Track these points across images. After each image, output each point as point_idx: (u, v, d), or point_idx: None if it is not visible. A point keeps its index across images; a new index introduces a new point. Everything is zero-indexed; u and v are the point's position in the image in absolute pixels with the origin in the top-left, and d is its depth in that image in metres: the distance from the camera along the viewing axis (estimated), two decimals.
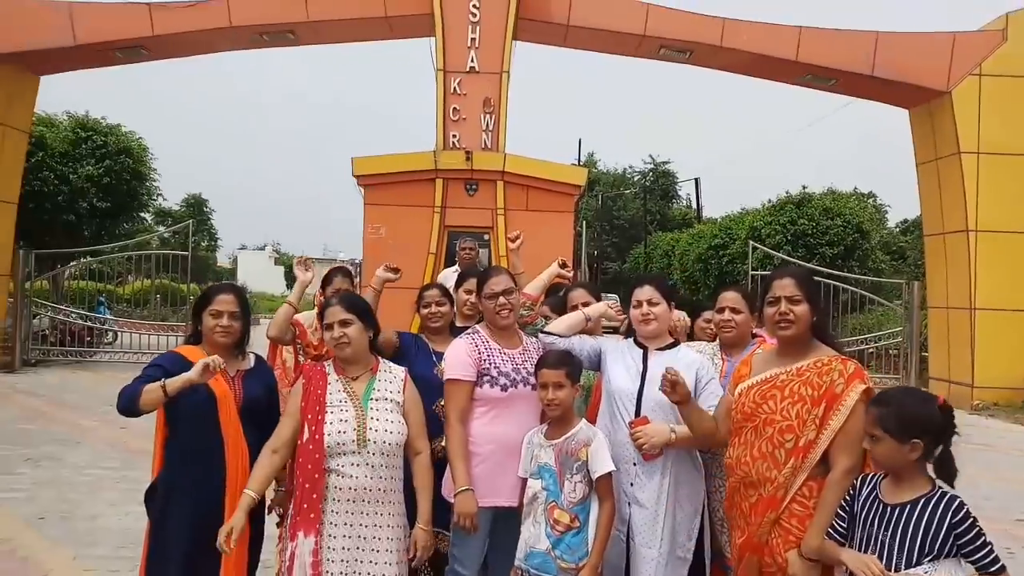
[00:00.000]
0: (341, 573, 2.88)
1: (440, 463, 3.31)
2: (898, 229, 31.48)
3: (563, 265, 4.04)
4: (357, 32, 14.38)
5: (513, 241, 4.26)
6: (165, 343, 15.20)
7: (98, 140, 19.94)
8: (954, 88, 13.19)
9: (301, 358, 4.44)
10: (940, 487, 2.47)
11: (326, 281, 4.71)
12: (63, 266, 16.95)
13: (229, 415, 3.09)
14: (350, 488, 2.92)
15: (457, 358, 3.33)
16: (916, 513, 2.43)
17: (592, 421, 3.42)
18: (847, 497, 2.63)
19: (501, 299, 3.38)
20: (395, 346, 3.82)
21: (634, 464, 3.20)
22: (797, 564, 2.68)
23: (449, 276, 6.29)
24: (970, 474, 7.93)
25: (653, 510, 3.17)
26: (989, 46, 13.23)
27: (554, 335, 3.45)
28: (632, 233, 42.64)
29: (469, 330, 3.50)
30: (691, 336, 4.11)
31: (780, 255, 17.79)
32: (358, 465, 2.93)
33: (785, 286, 2.87)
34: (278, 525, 3.57)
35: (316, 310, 4.18)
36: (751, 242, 17.75)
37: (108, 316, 17.01)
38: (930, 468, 2.50)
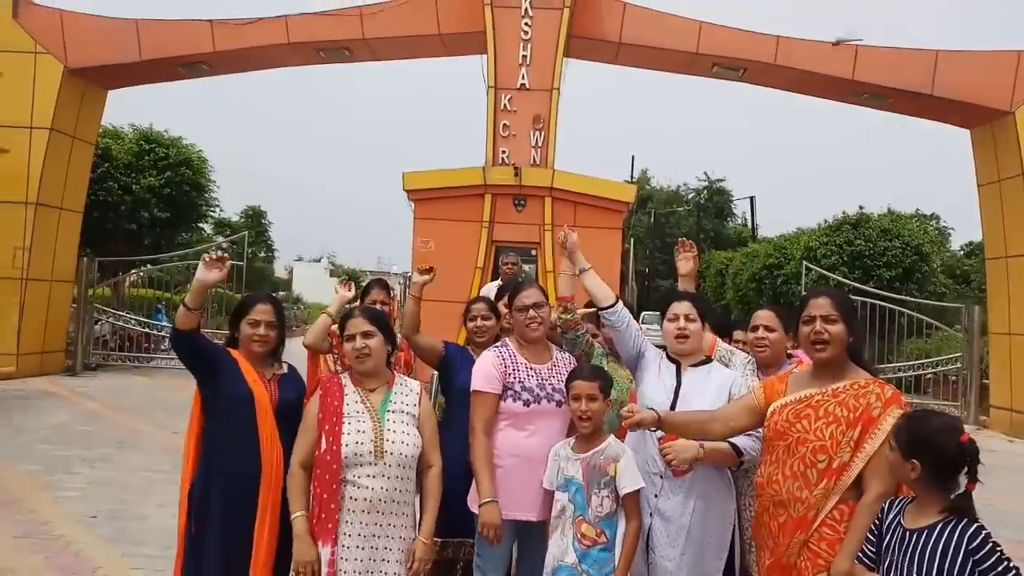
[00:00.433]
0: None
1: (467, 474, 3.34)
2: (962, 252, 30.62)
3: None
4: (411, 50, 14.62)
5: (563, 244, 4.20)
6: None
7: (160, 152, 20.57)
8: (1018, 108, 12.81)
9: (339, 367, 4.52)
10: (957, 515, 2.40)
11: (364, 293, 4.81)
12: (124, 274, 17.49)
13: (265, 414, 3.19)
14: (366, 499, 2.95)
15: (484, 371, 3.38)
16: (932, 539, 2.38)
17: (625, 435, 3.42)
18: (876, 520, 2.58)
19: (531, 312, 3.40)
20: (440, 355, 3.87)
21: (660, 476, 3.20)
22: None
23: (492, 290, 6.34)
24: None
25: (676, 523, 3.16)
26: None
27: (610, 308, 3.45)
28: None
29: (498, 343, 3.54)
30: None
31: (835, 276, 17.44)
32: (374, 476, 2.97)
33: (821, 305, 2.84)
34: None
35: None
36: (805, 262, 17.45)
37: (166, 323, 17.45)
38: None
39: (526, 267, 13.02)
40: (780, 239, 27.01)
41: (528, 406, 3.33)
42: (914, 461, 2.41)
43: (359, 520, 2.95)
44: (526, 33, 12.81)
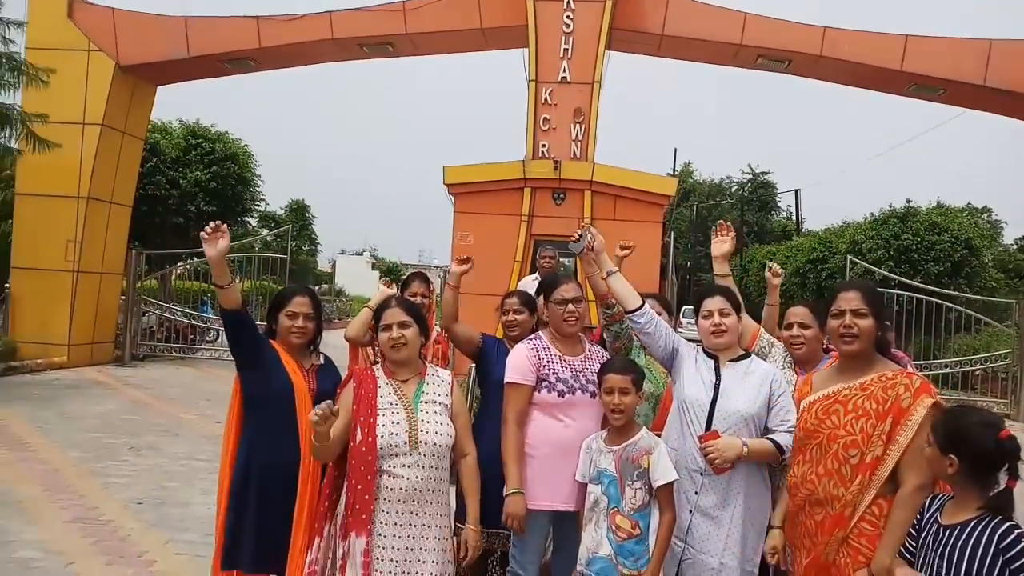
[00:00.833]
0: (391, 573, 2.93)
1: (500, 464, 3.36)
2: (1015, 246, 29.78)
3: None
4: (453, 44, 14.66)
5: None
6: None
7: (207, 147, 20.96)
8: None
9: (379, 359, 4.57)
10: (993, 512, 2.36)
11: (404, 285, 4.85)
12: (171, 267, 17.87)
13: (304, 404, 3.24)
14: (401, 489, 2.98)
15: (517, 362, 3.40)
16: (965, 536, 2.35)
17: (661, 429, 3.42)
18: (918, 516, 2.55)
19: (570, 306, 3.41)
20: (477, 347, 3.89)
21: (701, 473, 3.16)
22: None
23: (529, 284, 6.35)
24: None
25: (717, 519, 3.12)
26: None
27: (636, 311, 3.37)
28: None
29: (531, 335, 3.55)
30: None
31: (881, 271, 17.09)
32: (409, 467, 2.99)
33: (851, 299, 2.81)
34: None
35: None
36: (850, 257, 17.15)
37: (211, 315, 17.80)
38: None
39: (564, 261, 13.01)
40: (825, 233, 26.58)
41: (563, 396, 3.34)
42: (952, 456, 2.38)
43: (395, 510, 2.97)
44: (568, 26, 12.75)
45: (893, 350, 4.68)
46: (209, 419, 9.36)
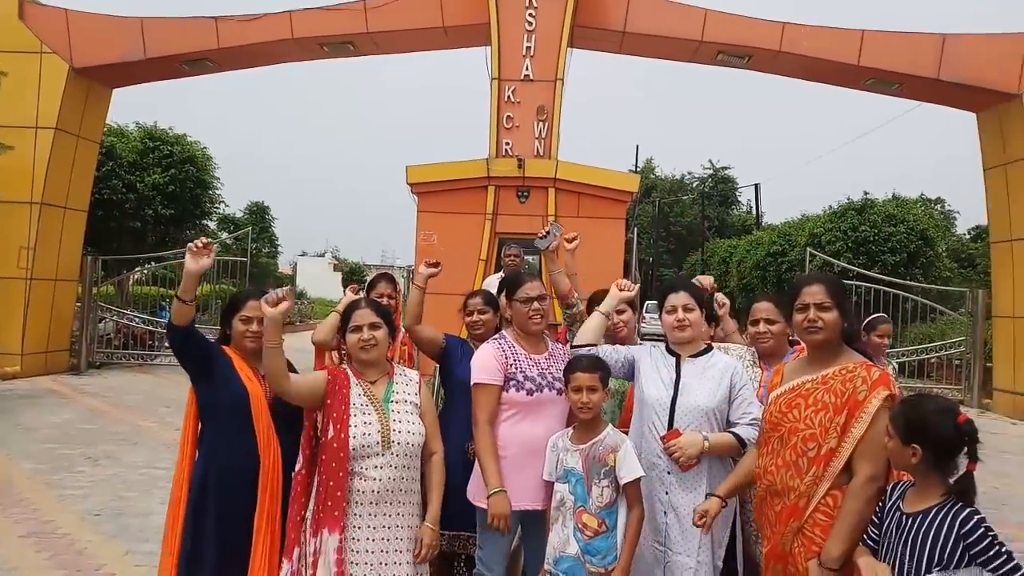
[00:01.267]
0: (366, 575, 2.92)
1: (472, 464, 3.34)
2: (968, 236, 30.46)
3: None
4: (415, 42, 14.56)
5: (570, 242, 4.25)
6: None
7: (165, 149, 20.61)
8: None
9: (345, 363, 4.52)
10: (954, 498, 2.40)
11: (370, 287, 4.80)
12: (128, 272, 17.52)
13: (261, 411, 3.21)
14: (374, 491, 2.97)
15: (484, 363, 3.37)
16: (927, 523, 2.39)
17: (627, 426, 3.41)
18: (880, 504, 2.59)
19: (535, 304, 3.40)
20: (440, 346, 3.88)
21: (668, 473, 3.18)
22: (817, 574, 2.63)
23: (493, 282, 6.32)
24: None
25: (689, 519, 3.13)
26: None
27: (586, 347, 3.42)
28: (690, 240, 42.18)
29: (496, 336, 3.53)
30: None
31: (839, 262, 17.37)
32: (381, 467, 2.98)
33: (814, 292, 2.83)
34: None
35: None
36: (809, 249, 17.40)
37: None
38: None
39: (529, 259, 12.99)
40: (784, 226, 26.97)
41: (531, 395, 3.33)
42: (914, 446, 2.41)
43: (368, 512, 2.96)
44: (530, 24, 12.72)
45: (875, 338, 4.80)
46: (169, 426, 9.17)
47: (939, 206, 31.02)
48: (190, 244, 3.10)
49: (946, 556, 2.32)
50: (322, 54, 14.69)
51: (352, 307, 3.24)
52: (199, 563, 3.14)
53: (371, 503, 2.97)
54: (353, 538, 2.94)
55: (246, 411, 3.20)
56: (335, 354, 4.74)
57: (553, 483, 3.20)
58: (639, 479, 3.07)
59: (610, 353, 3.43)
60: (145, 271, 18.08)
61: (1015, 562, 2.27)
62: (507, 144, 12.70)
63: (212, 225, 27.77)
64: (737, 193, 45.83)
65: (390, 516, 3.00)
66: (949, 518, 2.35)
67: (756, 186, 37.85)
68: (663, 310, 3.38)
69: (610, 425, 3.23)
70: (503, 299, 3.97)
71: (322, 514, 2.95)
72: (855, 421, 2.67)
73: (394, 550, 2.99)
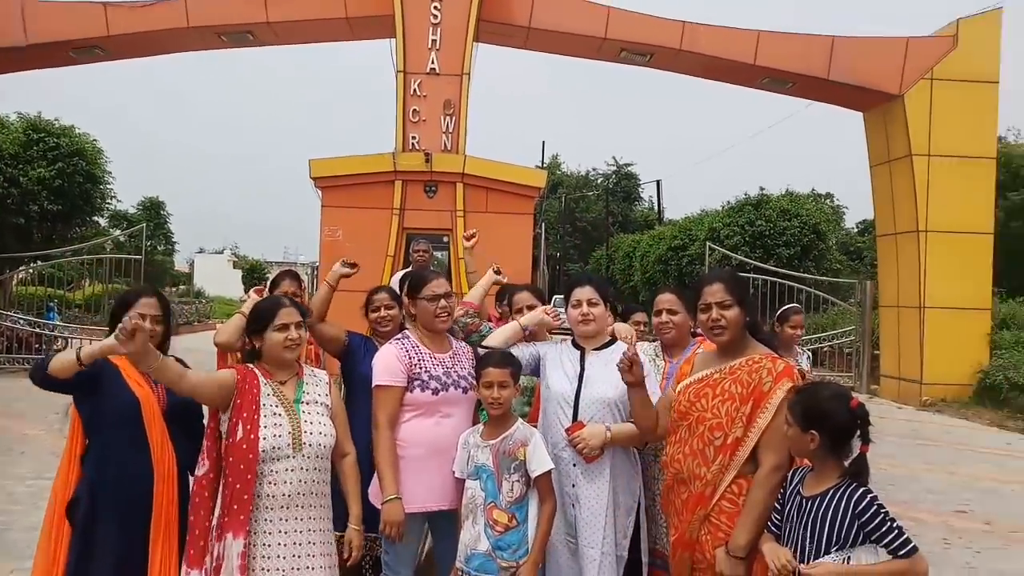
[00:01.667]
0: None
1: (372, 467, 3.30)
2: (856, 230, 32.01)
3: (498, 272, 4.02)
4: (317, 33, 14.26)
5: (468, 240, 4.24)
6: None
7: (50, 142, 19.44)
8: (907, 92, 13.47)
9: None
10: (850, 479, 2.52)
11: (274, 285, 4.68)
12: (12, 271, 16.53)
13: (153, 419, 3.06)
14: (284, 494, 2.88)
15: (387, 364, 3.30)
16: (824, 504, 2.50)
17: (536, 421, 3.43)
18: (782, 490, 2.68)
19: (442, 302, 3.37)
20: (343, 343, 3.81)
21: (574, 465, 3.22)
22: (724, 561, 2.71)
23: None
24: (914, 468, 8.18)
25: (596, 510, 3.19)
26: (940, 51, 13.54)
27: (492, 349, 3.42)
28: (595, 235, 42.84)
29: (398, 336, 3.47)
30: None
31: (738, 256, 17.99)
32: (292, 470, 2.90)
33: (715, 292, 2.91)
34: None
35: None
36: (709, 243, 17.94)
37: (57, 322, 16.61)
38: None
39: (438, 254, 12.92)
40: (685, 221, 27.70)
41: (437, 394, 3.29)
42: (813, 432, 2.51)
43: (278, 516, 2.88)
44: (435, 17, 12.63)
45: (788, 329, 4.96)
46: (58, 434, 8.57)
47: (829, 201, 32.45)
48: (121, 325, 2.67)
49: (843, 535, 2.44)
50: (220, 44, 14.21)
51: (273, 305, 3.10)
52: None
53: (282, 507, 2.88)
54: (264, 544, 2.85)
55: (137, 420, 3.03)
56: (237, 356, 4.61)
57: (464, 481, 3.19)
58: (549, 472, 3.09)
59: (516, 353, 3.42)
60: (30, 270, 17.12)
61: (905, 535, 2.40)
62: (414, 138, 12.58)
63: (103, 222, 26.53)
64: (640, 189, 46.82)
65: (301, 520, 2.92)
66: (844, 499, 2.46)
67: (658, 183, 38.86)
68: (568, 304, 3.42)
69: (520, 420, 3.24)
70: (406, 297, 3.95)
71: (227, 518, 2.84)
72: (760, 411, 2.76)
73: (306, 554, 2.91)
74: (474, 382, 3.36)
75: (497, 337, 3.50)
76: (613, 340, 3.49)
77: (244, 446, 2.86)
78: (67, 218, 20.18)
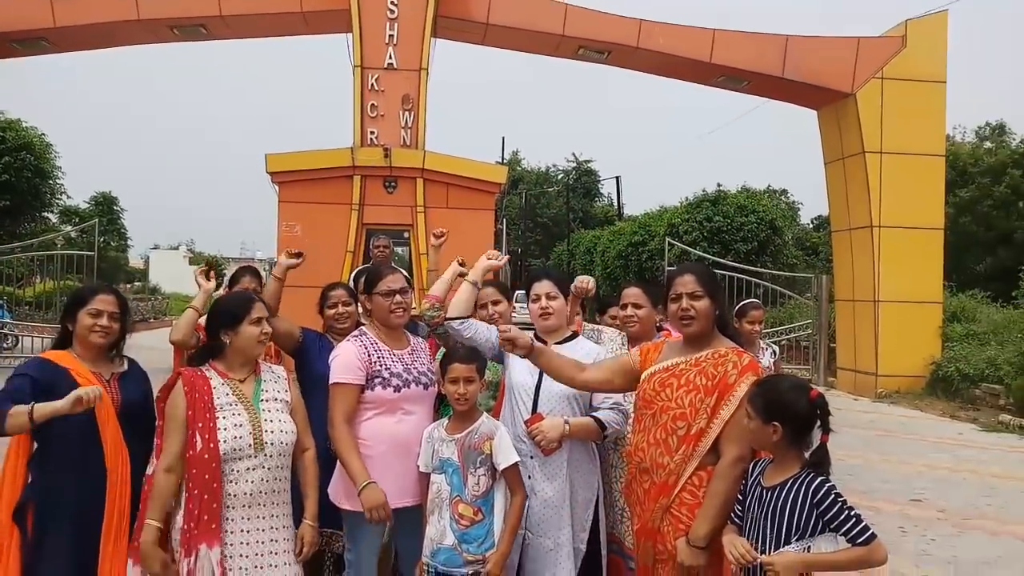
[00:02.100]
0: None
1: (333, 461, 3.27)
2: (811, 225, 32.59)
3: (462, 264, 4.01)
4: (272, 27, 14.04)
5: (437, 238, 4.22)
6: None
7: None
8: (858, 90, 13.71)
9: None
10: (809, 470, 2.56)
11: (234, 281, 4.62)
12: None
13: (108, 419, 2.98)
14: (246, 494, 2.84)
15: (346, 362, 3.25)
16: (783, 494, 2.54)
17: (499, 416, 3.44)
18: (745, 482, 2.72)
19: (397, 297, 3.34)
20: (297, 340, 3.77)
21: (531, 457, 3.24)
22: (685, 551, 2.74)
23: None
24: (870, 459, 8.33)
25: (552, 502, 3.21)
26: (890, 51, 13.80)
27: (457, 319, 3.45)
28: (556, 231, 43.02)
29: (356, 332, 3.44)
30: None
31: (696, 251, 18.20)
32: (254, 469, 2.86)
33: (686, 283, 2.94)
34: None
35: None
36: (668, 239, 18.11)
37: (8, 320, 16.18)
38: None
39: (399, 249, 12.84)
40: (644, 217, 27.96)
41: (398, 392, 3.26)
42: (775, 424, 2.55)
43: (241, 516, 2.83)
44: (392, 12, 12.54)
45: (746, 324, 5.00)
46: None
47: (784, 197, 32.99)
48: (79, 397, 2.67)
49: (803, 525, 2.48)
50: (172, 37, 13.94)
51: (247, 299, 3.06)
52: None
53: (244, 506, 2.83)
54: (227, 543, 2.79)
55: (91, 420, 2.94)
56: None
57: (428, 475, 3.18)
58: (516, 464, 3.10)
59: (483, 331, 3.46)
60: None
61: (864, 523, 2.45)
62: (372, 133, 12.49)
63: (54, 218, 25.90)
64: (600, 185, 47.11)
65: (264, 519, 2.88)
66: (803, 489, 2.50)
67: (617, 179, 39.15)
68: (529, 299, 3.45)
69: (485, 414, 3.24)
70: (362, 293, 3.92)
71: (196, 530, 2.76)
72: (724, 403, 2.79)
73: (270, 552, 2.87)
74: (433, 378, 3.36)
75: (459, 305, 3.50)
76: (575, 334, 3.51)
77: (205, 456, 2.80)
78: (15, 214, 19.70)
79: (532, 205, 44.00)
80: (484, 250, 3.84)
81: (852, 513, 2.46)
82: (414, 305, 3.61)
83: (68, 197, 24.43)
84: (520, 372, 3.37)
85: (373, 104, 12.52)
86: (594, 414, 3.31)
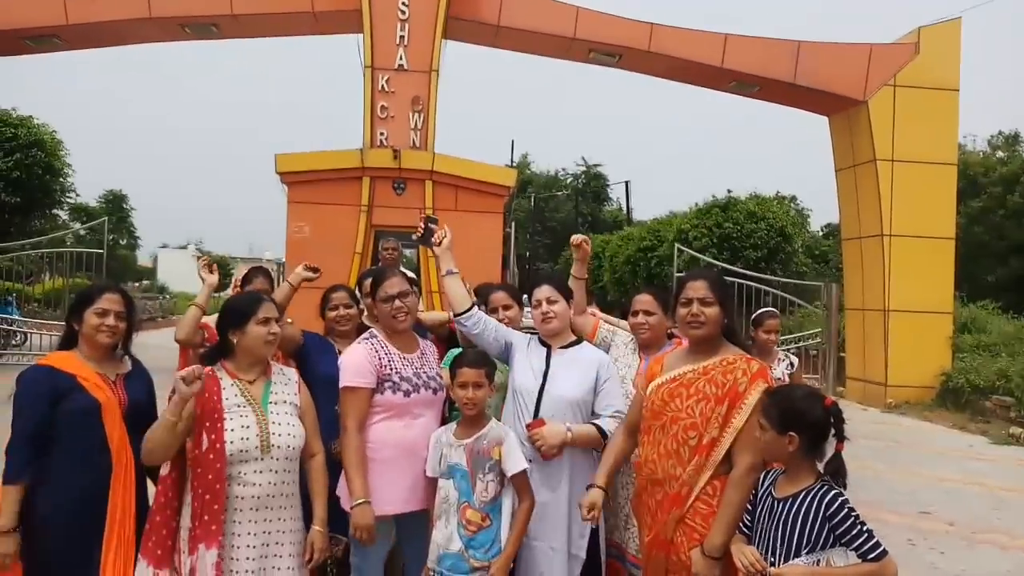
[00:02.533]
0: None
1: (337, 465, 3.23)
2: (821, 233, 32.43)
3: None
4: (283, 27, 14.08)
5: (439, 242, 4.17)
6: None
7: (7, 132, 18.99)
8: (870, 98, 13.64)
9: None
10: (824, 481, 2.53)
11: (246, 281, 4.59)
12: None
13: (114, 421, 2.95)
14: (253, 496, 2.81)
15: (357, 365, 3.22)
16: (796, 506, 2.50)
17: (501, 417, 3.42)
18: (755, 492, 2.68)
19: (396, 302, 3.30)
20: (298, 344, 3.75)
21: (530, 461, 3.20)
22: (700, 562, 2.70)
23: None
24: (879, 469, 8.24)
25: (547, 505, 3.19)
26: (903, 58, 13.73)
27: (464, 313, 3.43)
28: (564, 235, 42.81)
29: (366, 334, 3.41)
30: None
31: (706, 258, 18.11)
32: (261, 472, 2.83)
33: (698, 288, 2.91)
34: None
35: None
36: (677, 245, 18.04)
37: (17, 316, 16.22)
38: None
39: (407, 252, 12.81)
40: (654, 222, 27.86)
41: (408, 396, 3.24)
42: (791, 434, 2.51)
43: (248, 519, 2.81)
44: (403, 13, 12.54)
45: (762, 334, 4.92)
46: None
47: (793, 204, 32.83)
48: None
49: (814, 537, 2.44)
50: (184, 35, 13.99)
51: (255, 298, 3.03)
52: None
53: (251, 509, 2.81)
54: (233, 545, 2.77)
55: (98, 422, 2.92)
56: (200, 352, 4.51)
57: (436, 480, 3.15)
58: (526, 470, 3.07)
59: (491, 328, 3.44)
60: None
61: (875, 539, 2.40)
62: (382, 134, 12.48)
63: (64, 215, 25.99)
64: (609, 190, 47.07)
65: (270, 522, 2.85)
66: (816, 501, 2.46)
67: (627, 184, 39.06)
68: (531, 305, 3.45)
69: (493, 419, 3.21)
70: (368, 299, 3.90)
71: (198, 530, 2.74)
72: (736, 412, 2.75)
73: (274, 555, 2.85)
74: (443, 383, 3.34)
75: (460, 300, 3.46)
76: (580, 339, 3.49)
77: (211, 456, 2.77)
78: (26, 211, 19.75)
79: (541, 209, 43.96)
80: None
81: (864, 528, 2.42)
82: (421, 307, 3.58)
83: (78, 195, 24.49)
84: (523, 375, 3.35)
85: (383, 105, 12.52)
86: (596, 422, 3.29)
